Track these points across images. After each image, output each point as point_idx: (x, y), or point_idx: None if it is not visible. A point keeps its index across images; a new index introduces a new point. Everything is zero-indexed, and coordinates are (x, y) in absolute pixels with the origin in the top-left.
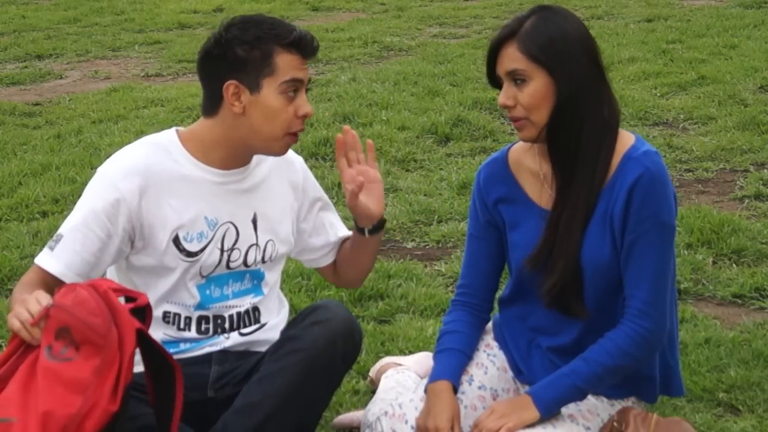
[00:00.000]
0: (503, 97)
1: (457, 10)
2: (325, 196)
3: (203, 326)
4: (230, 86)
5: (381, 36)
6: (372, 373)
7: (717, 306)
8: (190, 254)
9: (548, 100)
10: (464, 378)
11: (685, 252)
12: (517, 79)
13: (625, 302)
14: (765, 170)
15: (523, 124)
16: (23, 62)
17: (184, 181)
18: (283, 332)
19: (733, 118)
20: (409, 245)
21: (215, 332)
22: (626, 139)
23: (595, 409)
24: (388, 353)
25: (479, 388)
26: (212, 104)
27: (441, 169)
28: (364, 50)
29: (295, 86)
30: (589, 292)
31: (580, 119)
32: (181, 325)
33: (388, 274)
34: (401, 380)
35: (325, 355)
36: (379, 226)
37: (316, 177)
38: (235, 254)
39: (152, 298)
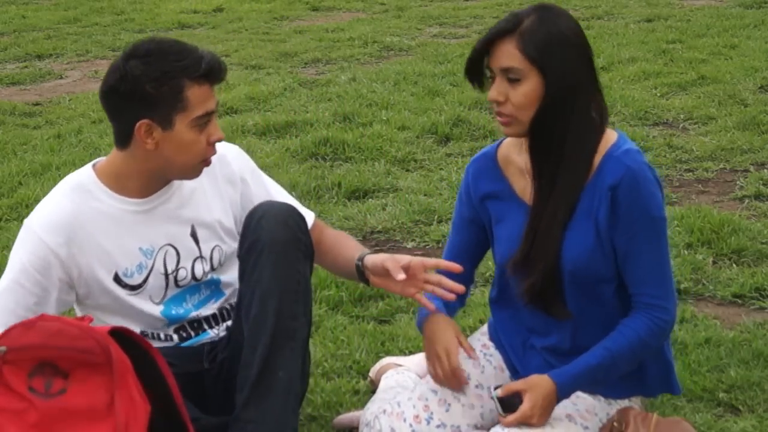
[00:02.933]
0: (495, 92)
1: (457, 10)
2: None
3: (183, 334)
4: (142, 126)
5: (381, 36)
6: (372, 373)
7: (717, 306)
8: (134, 288)
9: (538, 100)
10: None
11: (685, 252)
12: (511, 76)
13: (632, 297)
14: (765, 170)
15: (509, 122)
16: (23, 62)
17: (110, 219)
18: (239, 253)
19: (733, 118)
20: (409, 245)
21: (197, 333)
22: (609, 136)
23: (593, 408)
24: (388, 353)
25: (476, 387)
26: (122, 139)
27: (441, 169)
28: (364, 50)
29: (208, 118)
30: (570, 292)
31: (568, 120)
32: (162, 338)
33: None
34: (401, 380)
35: (284, 231)
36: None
37: (316, 177)
38: (181, 273)
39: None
